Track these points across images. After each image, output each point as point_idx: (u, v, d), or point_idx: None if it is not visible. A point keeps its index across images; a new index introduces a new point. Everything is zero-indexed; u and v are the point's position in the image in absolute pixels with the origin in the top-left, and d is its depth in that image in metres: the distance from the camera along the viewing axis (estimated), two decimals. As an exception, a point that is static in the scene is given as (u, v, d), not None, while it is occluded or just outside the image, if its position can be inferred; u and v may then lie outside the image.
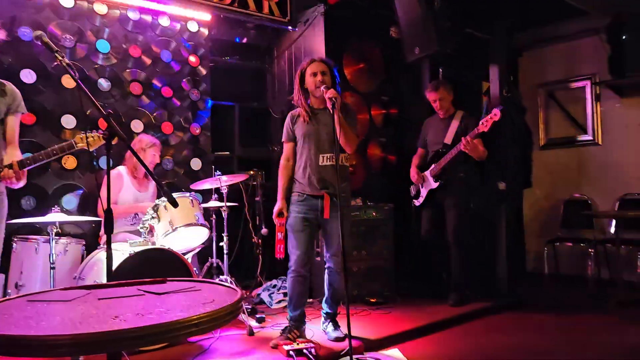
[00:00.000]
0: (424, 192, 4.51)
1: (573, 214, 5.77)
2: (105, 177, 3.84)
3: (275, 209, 3.44)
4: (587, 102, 5.89)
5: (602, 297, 4.57)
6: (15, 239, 3.51)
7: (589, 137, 5.86)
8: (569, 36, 5.93)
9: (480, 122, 4.06)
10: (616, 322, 4.09)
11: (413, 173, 4.59)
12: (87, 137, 2.80)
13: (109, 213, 2.09)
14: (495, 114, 3.95)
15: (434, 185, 4.39)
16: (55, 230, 3.33)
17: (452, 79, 5.24)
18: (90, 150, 2.92)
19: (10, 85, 2.86)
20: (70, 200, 4.19)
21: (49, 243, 3.33)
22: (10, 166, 2.66)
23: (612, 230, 5.30)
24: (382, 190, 5.24)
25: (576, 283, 5.42)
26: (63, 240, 3.54)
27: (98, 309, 1.29)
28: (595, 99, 5.81)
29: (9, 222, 3.12)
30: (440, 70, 5.43)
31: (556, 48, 6.13)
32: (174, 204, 2.16)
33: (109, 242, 2.10)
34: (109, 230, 2.09)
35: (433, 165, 4.42)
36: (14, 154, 2.81)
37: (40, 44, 2.23)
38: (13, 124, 2.84)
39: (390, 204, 4.74)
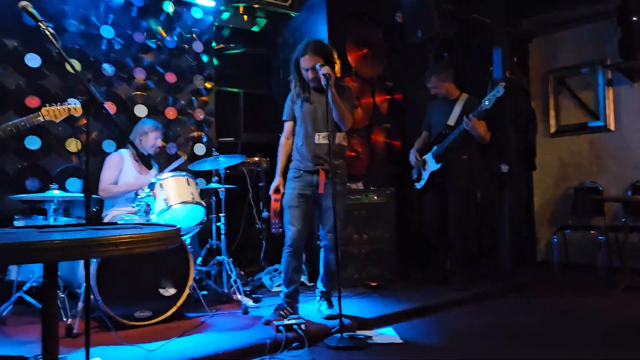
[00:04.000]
0: (425, 175, 4.46)
1: (584, 202, 5.64)
2: (107, 159, 3.96)
3: (273, 184, 3.48)
4: (598, 87, 5.75)
5: (609, 284, 4.45)
6: (17, 217, 3.60)
7: (601, 123, 5.72)
8: (579, 21, 5.80)
9: (484, 100, 4.02)
10: (618, 306, 4.00)
11: (412, 155, 4.55)
12: (53, 110, 2.94)
13: (87, 184, 2.10)
14: (499, 90, 3.91)
15: (436, 166, 4.34)
16: (53, 206, 3.42)
17: (458, 64, 5.19)
18: (57, 121, 3.02)
19: None
20: (75, 182, 4.27)
21: (48, 221, 3.43)
22: None
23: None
24: (386, 176, 5.21)
25: (586, 271, 5.31)
26: (63, 219, 3.61)
27: (32, 236, 1.32)
28: (606, 84, 5.68)
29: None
30: (446, 55, 5.37)
31: (566, 33, 6.00)
32: (148, 165, 2.18)
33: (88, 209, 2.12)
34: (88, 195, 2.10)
35: (436, 147, 4.38)
36: None
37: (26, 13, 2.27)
38: None
39: (392, 187, 4.71)
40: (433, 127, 4.55)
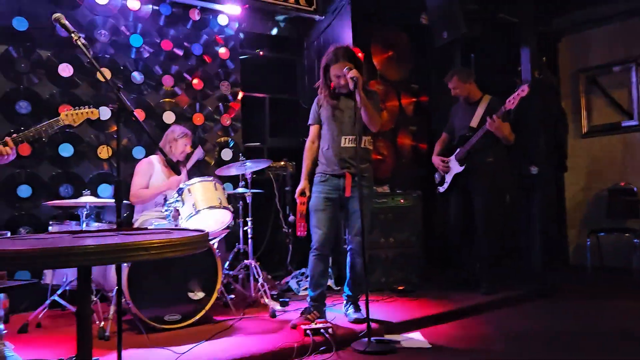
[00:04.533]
0: (448, 178, 4.41)
1: (618, 203, 5.50)
2: (137, 166, 4.04)
3: (298, 188, 3.49)
4: (632, 85, 5.60)
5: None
6: (52, 223, 3.70)
7: (635, 122, 5.57)
8: (611, 18, 5.67)
9: (507, 100, 3.94)
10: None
11: (435, 159, 4.51)
12: (72, 114, 3.11)
13: (118, 184, 2.16)
14: (523, 89, 3.83)
15: (459, 169, 4.28)
16: (85, 212, 3.50)
17: (485, 64, 5.13)
18: (75, 125, 3.13)
19: None
20: (106, 188, 4.37)
21: (80, 226, 3.51)
22: (4, 143, 2.86)
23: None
24: (412, 179, 5.18)
25: (621, 275, 5.17)
26: (95, 224, 3.70)
27: (67, 241, 1.36)
28: (640, 82, 5.53)
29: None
30: (472, 55, 5.31)
31: (598, 31, 5.87)
32: (176, 170, 2.22)
33: (119, 213, 2.17)
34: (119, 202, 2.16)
35: (458, 149, 4.32)
36: None
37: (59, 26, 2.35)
38: None
39: (419, 191, 4.67)
40: (456, 130, 4.49)
